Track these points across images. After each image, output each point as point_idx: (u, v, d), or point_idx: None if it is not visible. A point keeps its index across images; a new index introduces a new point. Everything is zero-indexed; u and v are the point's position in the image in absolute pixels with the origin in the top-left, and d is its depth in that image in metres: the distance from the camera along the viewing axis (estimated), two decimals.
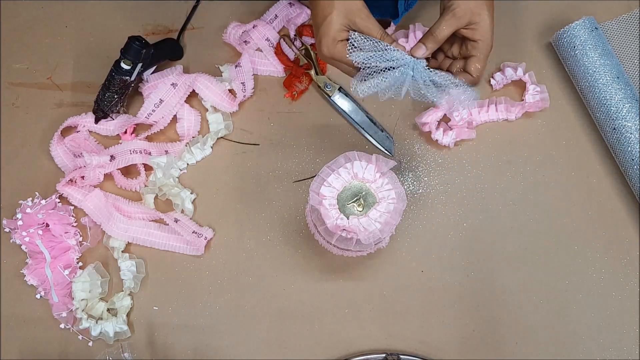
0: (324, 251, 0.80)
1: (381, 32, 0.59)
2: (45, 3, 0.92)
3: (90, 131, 0.85)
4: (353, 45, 0.59)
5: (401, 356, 0.75)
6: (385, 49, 0.58)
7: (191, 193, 0.82)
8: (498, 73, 0.85)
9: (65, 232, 0.79)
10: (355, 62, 0.59)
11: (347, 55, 0.59)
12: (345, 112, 0.84)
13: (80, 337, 0.77)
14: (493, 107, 0.83)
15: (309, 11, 0.88)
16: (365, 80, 0.59)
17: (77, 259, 0.80)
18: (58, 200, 0.82)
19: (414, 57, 0.60)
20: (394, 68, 0.59)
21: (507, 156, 0.83)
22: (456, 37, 0.64)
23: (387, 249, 0.79)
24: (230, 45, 0.89)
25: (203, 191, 0.83)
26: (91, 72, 0.88)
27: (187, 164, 0.84)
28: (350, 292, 0.79)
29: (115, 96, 0.81)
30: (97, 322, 0.77)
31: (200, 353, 0.77)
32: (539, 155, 0.83)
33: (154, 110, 0.83)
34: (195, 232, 0.80)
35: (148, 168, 0.84)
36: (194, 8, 0.91)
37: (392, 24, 0.86)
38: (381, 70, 0.59)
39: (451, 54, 0.66)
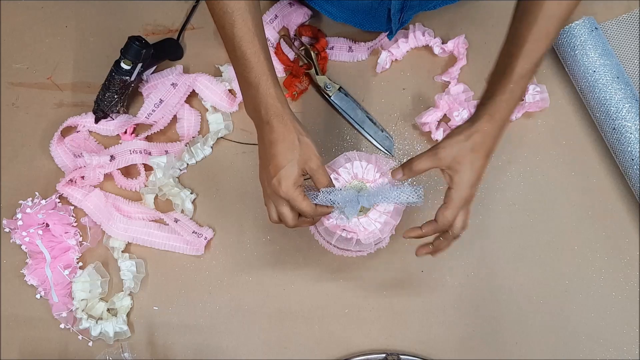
0: (324, 251, 0.80)
1: (327, 181, 0.64)
2: (45, 3, 0.92)
3: (90, 131, 0.85)
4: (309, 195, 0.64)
5: (401, 356, 0.75)
6: (333, 192, 0.64)
7: (191, 193, 0.82)
8: None
9: (65, 232, 0.79)
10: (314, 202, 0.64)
11: (314, 201, 0.64)
12: (345, 112, 0.84)
13: (80, 337, 0.77)
14: None
15: (309, 11, 0.88)
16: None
17: (77, 259, 0.80)
18: (58, 200, 0.82)
19: (393, 178, 0.66)
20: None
21: (507, 156, 0.83)
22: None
23: (387, 249, 0.79)
24: None
25: (203, 191, 0.83)
26: (91, 72, 0.88)
27: (187, 164, 0.84)
28: (350, 292, 0.79)
29: (115, 96, 0.81)
30: (97, 322, 0.77)
31: (200, 353, 0.77)
32: (539, 155, 0.83)
33: (154, 110, 0.83)
34: (195, 232, 0.80)
35: (148, 168, 0.84)
36: (194, 8, 0.91)
37: (386, 37, 0.86)
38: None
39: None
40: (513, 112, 0.65)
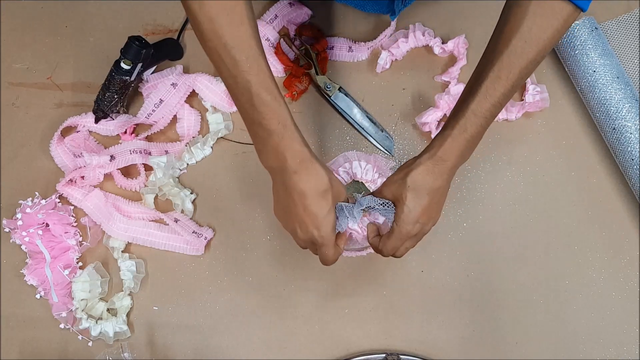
0: None
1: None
2: (45, 3, 0.92)
3: (90, 131, 0.85)
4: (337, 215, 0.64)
5: (401, 356, 0.75)
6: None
7: (191, 193, 0.82)
8: None
9: (65, 232, 0.80)
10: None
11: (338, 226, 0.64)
12: (345, 112, 0.84)
13: (80, 337, 0.77)
14: None
15: (309, 11, 0.88)
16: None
17: (77, 259, 0.80)
18: (58, 200, 0.82)
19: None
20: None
21: (507, 156, 0.83)
22: None
23: None
24: None
25: (203, 191, 0.83)
26: (91, 72, 0.88)
27: (187, 164, 0.84)
28: (350, 292, 0.79)
29: (115, 96, 0.81)
30: (97, 322, 0.77)
31: (200, 353, 0.77)
32: (539, 155, 0.83)
33: (154, 110, 0.83)
34: (195, 232, 0.80)
35: (148, 168, 0.84)
36: None
37: (391, 23, 0.86)
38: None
39: None
40: (464, 152, 0.61)
